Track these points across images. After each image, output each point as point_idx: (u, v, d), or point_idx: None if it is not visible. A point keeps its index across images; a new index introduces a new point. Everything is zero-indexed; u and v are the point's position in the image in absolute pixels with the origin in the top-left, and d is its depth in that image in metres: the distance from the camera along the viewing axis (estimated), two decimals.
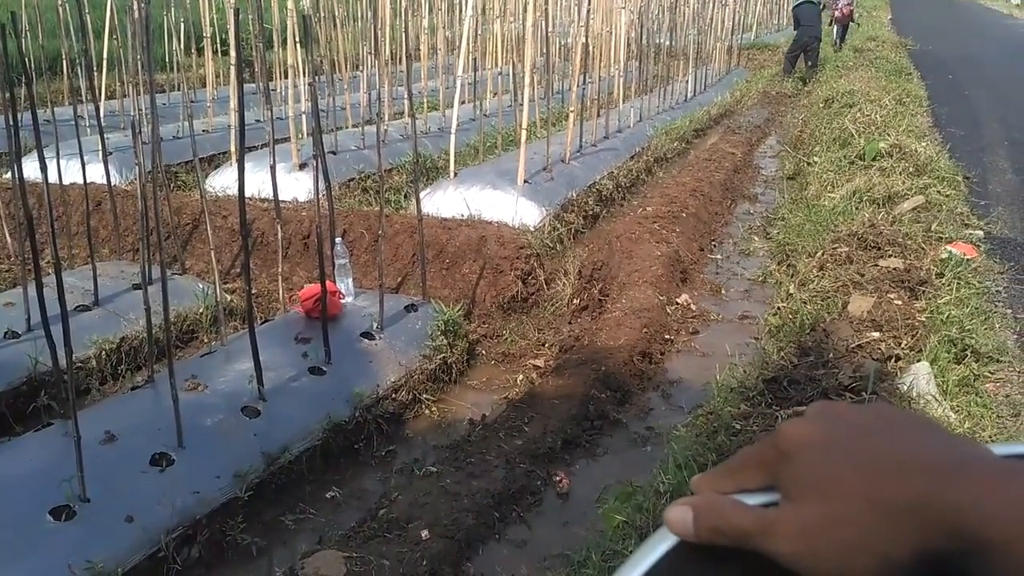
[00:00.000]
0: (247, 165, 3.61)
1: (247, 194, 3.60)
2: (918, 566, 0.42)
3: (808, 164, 8.17)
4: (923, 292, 4.35)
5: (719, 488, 0.50)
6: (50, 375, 3.47)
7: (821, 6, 15.27)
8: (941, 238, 5.20)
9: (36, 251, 2.92)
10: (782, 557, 0.45)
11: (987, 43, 21.51)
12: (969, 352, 3.83)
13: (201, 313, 4.70)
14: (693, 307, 5.17)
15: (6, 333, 4.09)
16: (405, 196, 6.54)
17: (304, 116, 6.99)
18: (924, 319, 4.04)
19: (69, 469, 2.80)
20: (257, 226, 5.49)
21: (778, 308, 4.78)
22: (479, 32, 8.90)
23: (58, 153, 4.70)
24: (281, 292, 4.58)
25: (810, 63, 14.60)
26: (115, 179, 5.43)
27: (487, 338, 4.85)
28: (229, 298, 4.86)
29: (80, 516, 2.79)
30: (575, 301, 5.16)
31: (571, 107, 7.26)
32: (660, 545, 0.49)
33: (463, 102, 7.55)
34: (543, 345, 4.76)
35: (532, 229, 5.71)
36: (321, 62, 7.54)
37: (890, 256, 4.78)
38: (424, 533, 2.95)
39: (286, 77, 7.10)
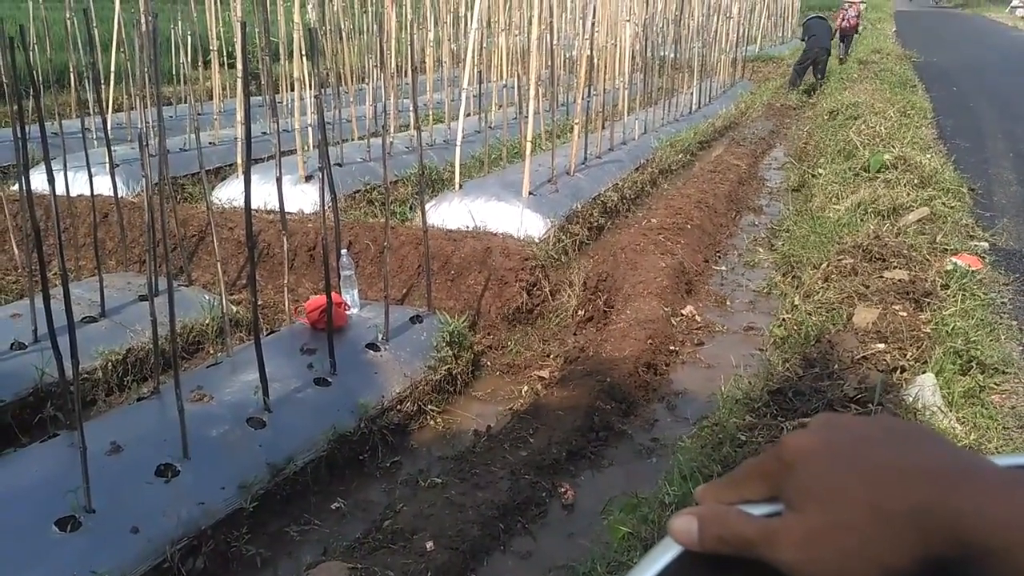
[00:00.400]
0: (253, 177, 3.63)
1: (253, 206, 3.62)
2: (919, 573, 0.43)
3: (813, 176, 8.18)
4: (928, 304, 4.35)
5: (723, 499, 0.51)
6: (56, 386, 3.48)
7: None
8: (946, 250, 5.20)
9: (43, 263, 2.93)
10: (785, 565, 0.45)
11: (992, 55, 21.54)
12: (974, 364, 3.82)
13: (207, 324, 4.71)
14: (698, 319, 5.17)
15: (13, 344, 4.10)
16: (410, 208, 6.55)
17: (310, 128, 7.02)
18: (929, 331, 4.04)
19: (75, 480, 2.81)
20: (263, 238, 5.51)
21: (783, 319, 4.78)
22: (484, 45, 8.95)
23: (65, 165, 4.74)
24: (287, 303, 4.60)
25: (818, 75, 14.68)
26: (122, 191, 5.46)
27: (492, 349, 4.86)
28: (235, 309, 4.87)
29: (85, 527, 2.79)
30: (580, 312, 5.16)
31: (576, 119, 7.28)
32: (664, 555, 0.49)
33: (468, 114, 7.57)
34: (548, 356, 4.76)
35: (537, 240, 5.72)
36: (327, 75, 7.57)
37: (895, 268, 4.78)
38: (429, 544, 2.95)
39: (292, 90, 7.13)
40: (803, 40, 15.18)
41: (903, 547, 0.42)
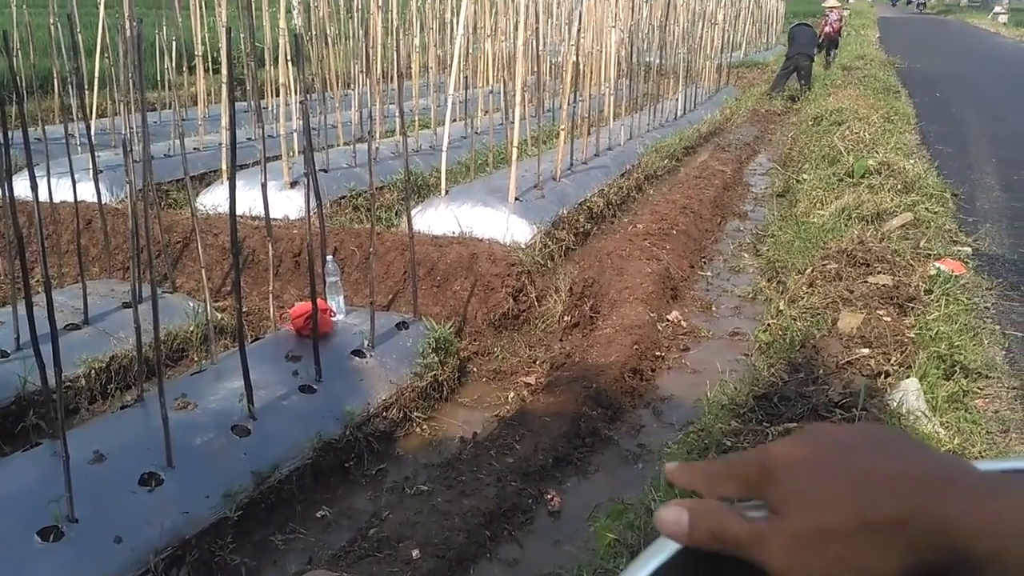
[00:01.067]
0: (238, 183, 3.62)
1: (238, 212, 3.60)
2: None
3: (797, 181, 8.22)
4: (912, 309, 4.37)
5: (696, 488, 0.51)
6: (39, 394, 3.45)
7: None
8: (930, 255, 5.23)
9: (26, 270, 2.91)
10: (773, 570, 0.45)
11: (974, 61, 21.74)
12: (958, 368, 3.84)
13: (191, 331, 4.68)
14: (684, 324, 5.18)
15: None
16: (396, 214, 6.54)
17: (295, 134, 7.00)
18: (913, 335, 4.06)
19: (58, 489, 2.78)
20: (248, 244, 5.49)
21: (768, 325, 4.80)
22: (470, 51, 8.95)
23: (48, 171, 4.70)
24: (272, 310, 4.58)
25: (802, 81, 14.78)
26: (105, 197, 5.43)
27: (478, 355, 4.85)
28: (219, 316, 4.85)
29: (68, 537, 2.77)
30: (566, 318, 5.16)
31: (562, 125, 7.29)
32: (649, 563, 0.49)
33: (454, 120, 7.58)
34: (534, 362, 4.76)
35: (523, 246, 5.72)
36: (312, 80, 7.55)
37: (879, 273, 4.81)
38: (415, 552, 2.94)
39: (277, 95, 7.11)
40: (787, 45, 15.38)
41: (890, 554, 0.42)
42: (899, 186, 6.86)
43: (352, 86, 8.86)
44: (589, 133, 8.24)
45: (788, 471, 0.47)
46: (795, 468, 0.47)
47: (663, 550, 0.49)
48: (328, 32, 8.40)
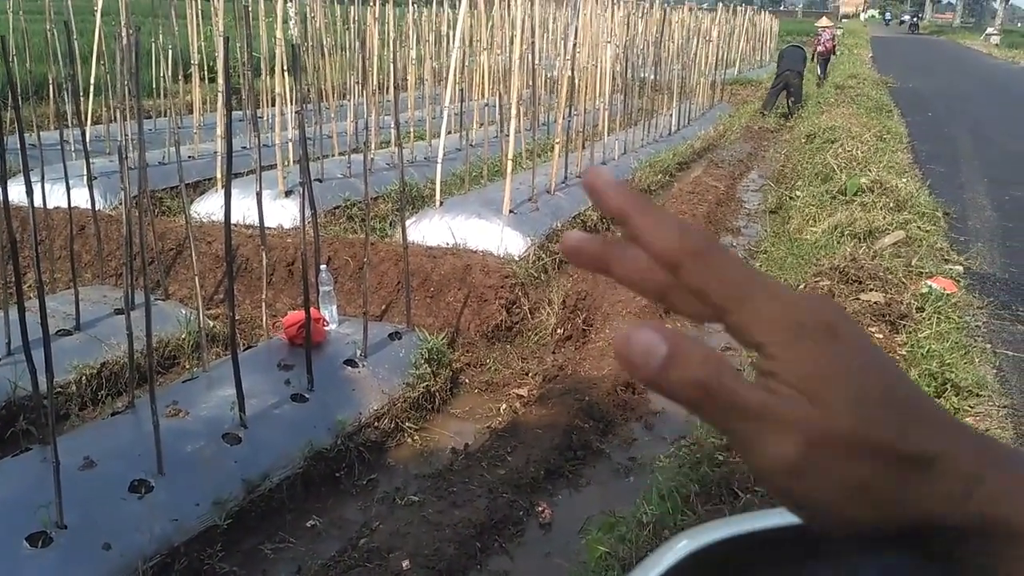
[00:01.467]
0: (233, 191, 3.62)
1: (232, 220, 3.60)
2: (907, 537, 0.39)
3: (790, 198, 8.25)
4: (904, 326, 4.39)
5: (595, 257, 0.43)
6: (29, 400, 3.43)
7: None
8: (921, 273, 5.25)
9: (19, 274, 2.90)
10: (773, 459, 0.37)
11: (966, 81, 21.90)
12: (949, 386, 3.85)
13: (183, 339, 4.67)
14: None
15: None
16: (391, 224, 6.55)
17: (291, 144, 7.01)
18: (905, 353, 4.07)
19: (47, 495, 2.77)
20: (242, 253, 5.48)
21: None
22: (466, 63, 8.98)
23: (43, 177, 4.69)
24: (265, 319, 4.57)
25: (793, 99, 14.90)
26: (100, 204, 5.42)
27: (471, 367, 4.85)
28: (212, 324, 4.84)
29: (57, 543, 2.75)
30: (559, 331, 5.17)
31: (556, 139, 7.32)
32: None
33: (450, 132, 7.59)
34: (527, 374, 4.76)
35: (517, 258, 5.72)
36: (309, 90, 7.57)
37: (871, 290, 4.83)
38: (405, 563, 2.93)
39: (273, 105, 7.12)
40: (778, 66, 15.61)
41: (911, 489, 0.37)
42: (891, 204, 6.89)
43: (348, 97, 8.88)
44: (584, 147, 8.27)
45: (828, 350, 0.37)
46: (836, 353, 0.37)
47: (657, 565, 0.48)
48: (324, 43, 8.43)
